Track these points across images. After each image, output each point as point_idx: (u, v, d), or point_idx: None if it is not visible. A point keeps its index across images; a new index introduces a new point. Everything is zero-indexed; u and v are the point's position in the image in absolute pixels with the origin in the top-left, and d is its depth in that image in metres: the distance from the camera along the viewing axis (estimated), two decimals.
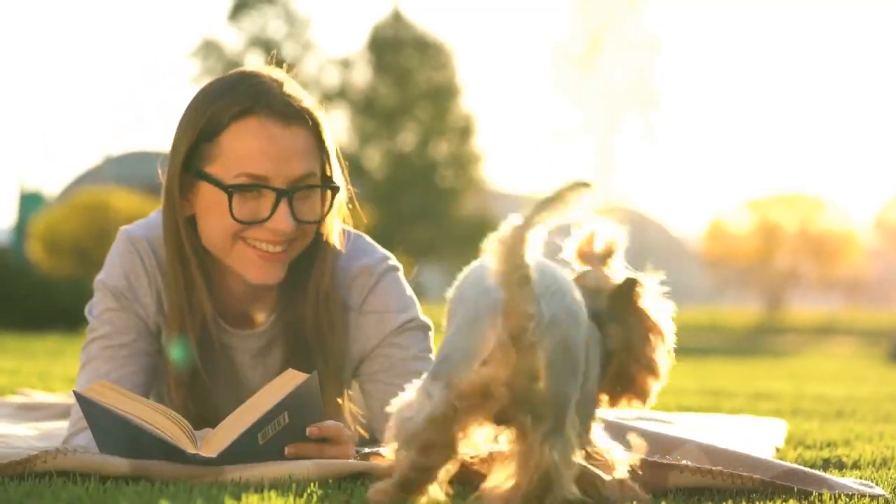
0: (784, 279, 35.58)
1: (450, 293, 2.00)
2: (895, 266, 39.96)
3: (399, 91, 33.98)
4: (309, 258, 2.59)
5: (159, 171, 2.58)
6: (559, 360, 1.91)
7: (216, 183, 2.46)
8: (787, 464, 2.40)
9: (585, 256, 2.18)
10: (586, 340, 2.00)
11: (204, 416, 2.52)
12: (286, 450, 2.25)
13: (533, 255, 1.89)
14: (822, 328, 29.53)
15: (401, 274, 2.69)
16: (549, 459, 1.90)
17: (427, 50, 34.22)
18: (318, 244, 2.59)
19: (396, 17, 34.46)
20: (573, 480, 1.94)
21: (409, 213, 32.15)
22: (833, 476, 2.36)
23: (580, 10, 35.45)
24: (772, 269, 35.55)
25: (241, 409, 2.24)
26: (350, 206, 2.68)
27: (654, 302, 2.15)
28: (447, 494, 1.96)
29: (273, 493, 2.00)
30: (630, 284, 2.13)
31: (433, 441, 1.91)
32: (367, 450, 2.38)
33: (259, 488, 2.05)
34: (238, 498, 1.97)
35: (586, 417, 2.05)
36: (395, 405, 1.97)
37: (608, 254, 2.17)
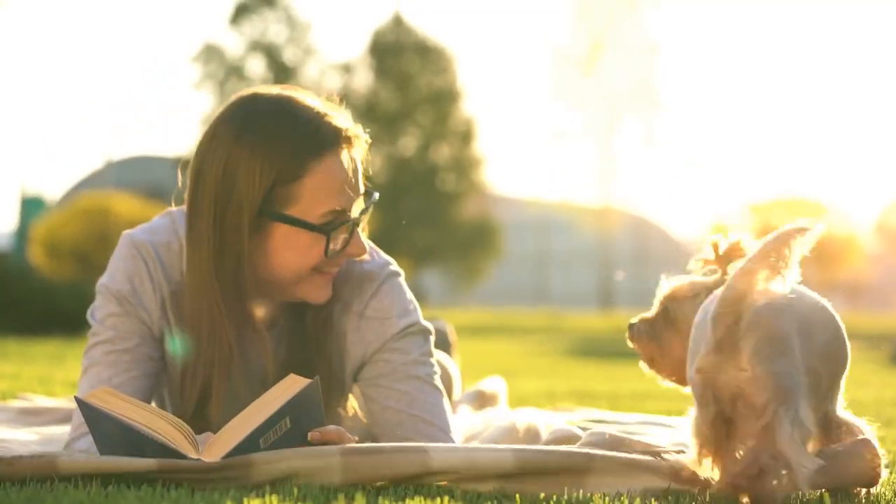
0: None
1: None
2: None
3: (400, 95, 34.05)
4: None
5: (183, 214, 2.56)
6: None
7: (304, 225, 2.47)
8: None
9: None
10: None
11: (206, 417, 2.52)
12: None
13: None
14: None
15: (402, 279, 2.70)
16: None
17: (428, 54, 34.31)
18: None
19: (397, 22, 34.55)
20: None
21: (410, 217, 32.17)
22: None
23: (580, 13, 35.50)
24: None
25: (243, 414, 2.24)
26: None
27: None
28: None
29: (274, 498, 2.00)
30: None
31: None
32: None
33: (260, 491, 2.06)
34: (239, 501, 1.97)
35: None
36: None
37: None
